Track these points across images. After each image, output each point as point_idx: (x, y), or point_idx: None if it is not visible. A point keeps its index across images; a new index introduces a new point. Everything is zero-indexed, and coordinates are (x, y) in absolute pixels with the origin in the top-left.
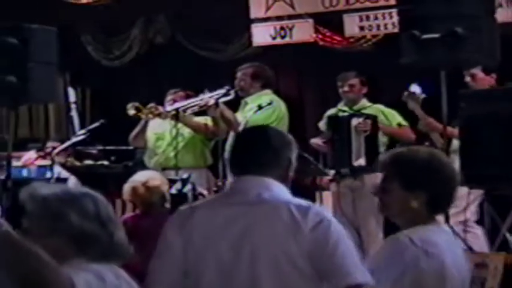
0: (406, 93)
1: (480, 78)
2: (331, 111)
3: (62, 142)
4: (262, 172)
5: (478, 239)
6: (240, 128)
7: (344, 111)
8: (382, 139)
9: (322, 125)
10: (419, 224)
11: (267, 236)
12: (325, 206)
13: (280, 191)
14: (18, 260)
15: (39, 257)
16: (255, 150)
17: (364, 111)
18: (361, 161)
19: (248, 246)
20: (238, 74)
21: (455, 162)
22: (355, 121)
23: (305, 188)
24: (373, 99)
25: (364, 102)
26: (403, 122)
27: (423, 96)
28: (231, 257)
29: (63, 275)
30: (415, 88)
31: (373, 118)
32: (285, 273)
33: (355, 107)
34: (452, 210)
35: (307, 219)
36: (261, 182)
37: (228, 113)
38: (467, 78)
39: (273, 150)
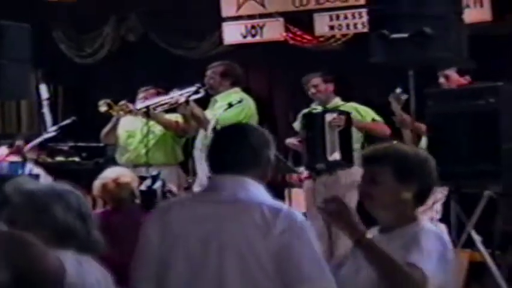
0: (392, 94)
1: (454, 80)
2: (305, 111)
3: (33, 138)
4: (241, 171)
5: None
6: (210, 126)
7: (317, 109)
8: (357, 135)
9: (297, 125)
10: (406, 216)
11: (235, 235)
12: (294, 203)
13: (257, 190)
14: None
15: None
16: (234, 149)
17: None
18: (336, 155)
19: (216, 244)
20: (208, 72)
21: None
22: (329, 116)
23: (274, 185)
24: (343, 98)
25: (337, 101)
26: (377, 118)
27: (406, 96)
28: (199, 253)
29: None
30: (399, 90)
31: (347, 114)
32: (252, 273)
33: (329, 106)
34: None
35: (276, 222)
36: (237, 181)
37: (197, 110)
38: (441, 79)
39: (251, 148)
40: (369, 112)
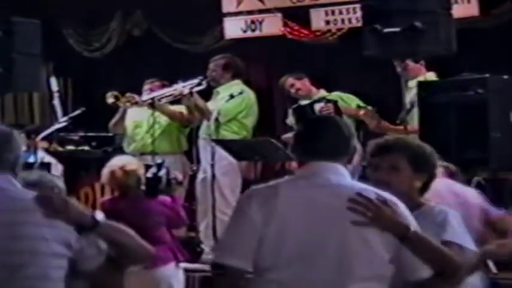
0: (362, 111)
1: (411, 68)
2: (294, 106)
3: (45, 128)
4: (335, 158)
5: None
6: (212, 117)
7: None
8: (347, 120)
9: (289, 121)
10: (415, 203)
11: (349, 217)
12: None
13: (347, 176)
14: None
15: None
16: (331, 138)
17: None
18: None
19: (331, 225)
20: (210, 65)
21: None
22: (317, 106)
23: (274, 172)
24: (337, 90)
25: (322, 92)
26: (362, 104)
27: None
28: (314, 232)
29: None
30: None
31: (334, 102)
32: (370, 251)
33: (314, 98)
34: None
35: None
36: (333, 167)
37: (200, 102)
38: (398, 69)
39: (344, 138)
40: (353, 99)
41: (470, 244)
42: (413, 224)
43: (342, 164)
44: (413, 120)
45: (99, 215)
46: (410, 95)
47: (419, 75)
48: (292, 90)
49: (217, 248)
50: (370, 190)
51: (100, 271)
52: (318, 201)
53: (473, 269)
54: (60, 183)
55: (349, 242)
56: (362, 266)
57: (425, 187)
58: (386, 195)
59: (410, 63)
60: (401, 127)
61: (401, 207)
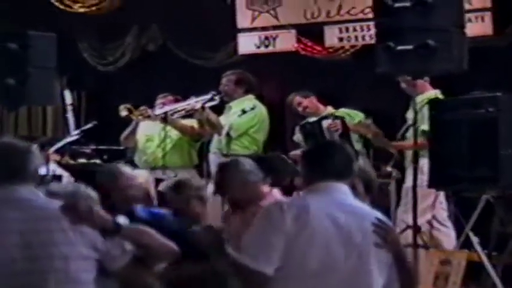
0: (362, 122)
1: (417, 84)
2: (302, 123)
3: (57, 141)
4: (342, 179)
5: (449, 236)
6: (224, 131)
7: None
8: (354, 137)
9: (296, 138)
10: None
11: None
12: None
13: (350, 195)
14: None
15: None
16: (338, 161)
17: None
18: None
19: (350, 236)
20: (223, 80)
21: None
22: (325, 123)
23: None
24: (349, 106)
25: (329, 109)
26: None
27: (370, 120)
28: (337, 243)
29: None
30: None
31: (341, 118)
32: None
33: (322, 115)
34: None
35: None
36: (343, 188)
37: (212, 116)
38: (403, 85)
39: (349, 161)
40: (358, 115)
41: None
42: None
43: (347, 184)
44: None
45: (122, 219)
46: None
47: (424, 91)
48: (300, 109)
49: (249, 254)
50: (374, 212)
51: (127, 270)
52: (340, 221)
53: None
54: (93, 194)
55: (363, 262)
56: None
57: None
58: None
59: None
60: (402, 142)
61: None
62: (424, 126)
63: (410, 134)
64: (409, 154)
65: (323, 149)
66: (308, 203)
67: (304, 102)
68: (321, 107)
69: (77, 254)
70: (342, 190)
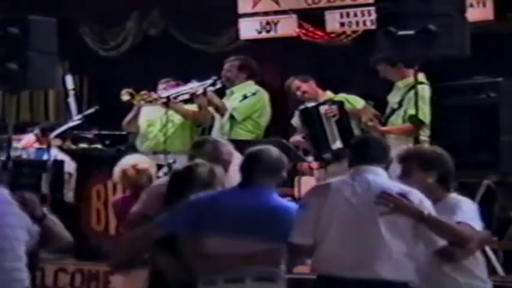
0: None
1: (392, 70)
2: (300, 108)
3: (59, 126)
4: (376, 163)
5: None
6: (226, 115)
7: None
8: (354, 122)
9: (294, 121)
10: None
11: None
12: (303, 190)
13: (384, 176)
14: None
15: None
16: (373, 149)
17: None
18: (338, 144)
19: (368, 212)
20: (226, 66)
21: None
22: (322, 108)
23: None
24: (350, 91)
25: (328, 94)
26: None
27: (372, 103)
28: (354, 216)
29: None
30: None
31: (340, 103)
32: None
33: (321, 100)
34: None
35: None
36: (374, 169)
37: (216, 100)
38: (382, 73)
39: (383, 150)
40: (358, 101)
41: (477, 224)
42: (429, 209)
43: (381, 167)
44: (398, 120)
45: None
46: (398, 95)
47: (406, 76)
48: (299, 93)
49: (292, 232)
50: (397, 186)
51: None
52: (356, 194)
53: (481, 244)
54: None
55: (379, 226)
56: (389, 246)
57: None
58: (407, 189)
59: (388, 67)
60: (389, 128)
61: (417, 198)
62: (411, 110)
63: (393, 118)
64: (390, 138)
65: (360, 140)
66: (331, 182)
67: (303, 86)
68: (320, 91)
69: (23, 236)
70: (374, 171)
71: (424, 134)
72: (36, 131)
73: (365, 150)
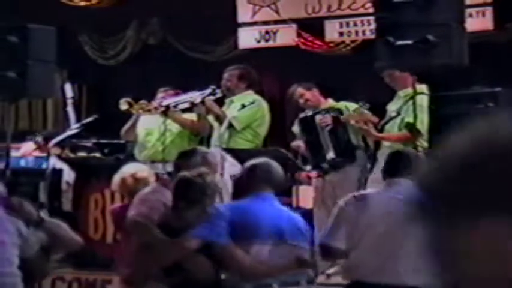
0: (356, 107)
1: (399, 77)
2: (300, 116)
3: (57, 135)
4: (405, 177)
5: None
6: (225, 123)
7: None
8: (353, 130)
9: (295, 129)
10: None
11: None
12: (301, 199)
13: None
14: None
15: None
16: (412, 162)
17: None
18: (331, 154)
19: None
20: (226, 75)
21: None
22: (317, 118)
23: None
24: (349, 101)
25: (330, 102)
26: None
27: (367, 106)
28: (387, 228)
29: None
30: (360, 103)
31: (335, 113)
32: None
33: (322, 108)
34: None
35: None
36: (404, 182)
37: (216, 109)
38: (387, 79)
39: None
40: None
41: None
42: None
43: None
44: (394, 128)
45: (43, 213)
46: (398, 104)
47: (407, 86)
48: (301, 101)
49: (326, 235)
50: None
51: (35, 257)
52: (390, 207)
53: None
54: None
55: (404, 240)
56: (412, 258)
57: None
58: None
59: (397, 73)
60: (387, 134)
61: None
62: (409, 118)
63: (389, 126)
64: (384, 146)
65: (394, 154)
66: (367, 194)
67: (306, 94)
68: (322, 100)
69: (13, 240)
70: (400, 183)
71: (421, 144)
72: (39, 138)
73: (398, 163)
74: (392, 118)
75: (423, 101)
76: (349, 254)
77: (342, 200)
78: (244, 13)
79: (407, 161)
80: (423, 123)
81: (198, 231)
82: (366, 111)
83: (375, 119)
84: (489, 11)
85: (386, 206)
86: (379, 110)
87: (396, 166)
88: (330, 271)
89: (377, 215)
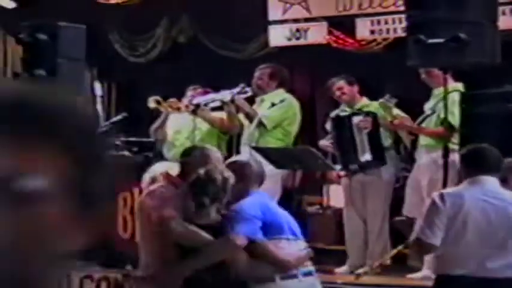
0: (381, 100)
1: (436, 75)
2: (334, 112)
3: None
4: (493, 174)
5: None
6: (254, 122)
7: (345, 111)
8: (385, 133)
9: (328, 125)
10: None
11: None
12: (332, 199)
13: (498, 185)
14: None
15: None
16: (491, 160)
17: (365, 109)
18: (367, 156)
19: (497, 220)
20: (257, 73)
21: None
22: (356, 119)
23: (314, 182)
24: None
25: (364, 101)
26: (401, 114)
27: (395, 101)
28: (485, 225)
29: None
30: (387, 96)
31: (373, 115)
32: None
33: (356, 107)
34: None
35: None
36: (493, 180)
37: (247, 107)
38: (423, 76)
39: (499, 161)
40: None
41: None
42: None
43: (496, 177)
44: (430, 125)
45: None
46: (433, 101)
47: (443, 83)
48: (337, 93)
49: (422, 231)
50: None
51: None
52: (487, 206)
53: None
54: None
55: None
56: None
57: None
58: None
59: (434, 70)
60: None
61: None
62: (444, 115)
63: (425, 123)
64: (420, 146)
65: (477, 152)
66: (462, 191)
67: (345, 88)
68: (358, 97)
69: None
70: (492, 181)
71: (454, 142)
72: None
73: (482, 160)
74: (427, 116)
75: (456, 97)
76: (445, 250)
77: (436, 197)
78: (275, 11)
79: (491, 158)
80: (456, 119)
81: (241, 228)
82: (390, 104)
83: (407, 118)
84: None
85: (479, 203)
86: (410, 107)
87: (481, 163)
88: (360, 271)
89: (472, 212)
